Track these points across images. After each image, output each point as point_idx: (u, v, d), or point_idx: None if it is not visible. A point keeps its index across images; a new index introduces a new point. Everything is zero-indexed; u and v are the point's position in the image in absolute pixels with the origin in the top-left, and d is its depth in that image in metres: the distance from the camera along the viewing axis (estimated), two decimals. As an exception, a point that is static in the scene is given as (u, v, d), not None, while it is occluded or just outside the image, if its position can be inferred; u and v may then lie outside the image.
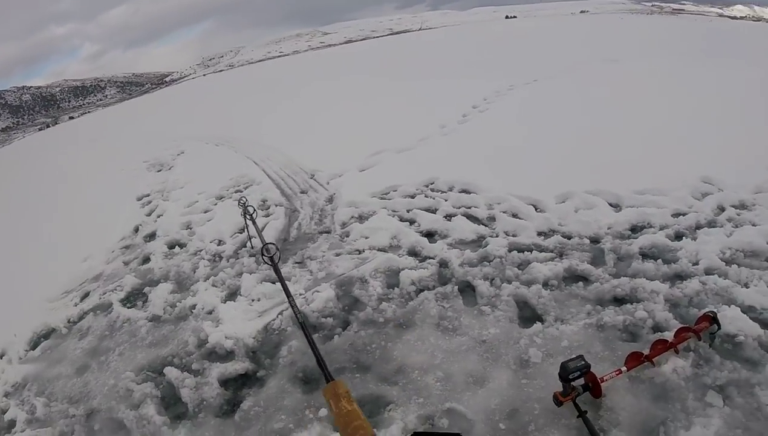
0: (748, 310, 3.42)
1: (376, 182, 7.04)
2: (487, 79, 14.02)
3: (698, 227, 4.82)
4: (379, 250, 5.26)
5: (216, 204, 7.78)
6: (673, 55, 15.49)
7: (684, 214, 5.03)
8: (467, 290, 4.29)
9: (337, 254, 5.33)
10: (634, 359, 3.01)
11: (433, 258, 4.85)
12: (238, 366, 3.89)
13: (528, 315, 3.84)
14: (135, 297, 5.52)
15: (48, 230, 8.94)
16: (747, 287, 3.71)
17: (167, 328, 4.68)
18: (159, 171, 11.10)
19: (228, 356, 4.07)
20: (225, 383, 3.79)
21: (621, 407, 2.80)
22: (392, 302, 4.25)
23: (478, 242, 5.13)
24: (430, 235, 5.44)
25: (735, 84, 9.96)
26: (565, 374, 2.68)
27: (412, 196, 6.46)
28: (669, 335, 3.20)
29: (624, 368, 2.95)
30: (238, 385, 3.77)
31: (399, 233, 5.49)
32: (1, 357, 5.03)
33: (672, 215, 5.05)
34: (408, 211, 6.04)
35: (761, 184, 5.39)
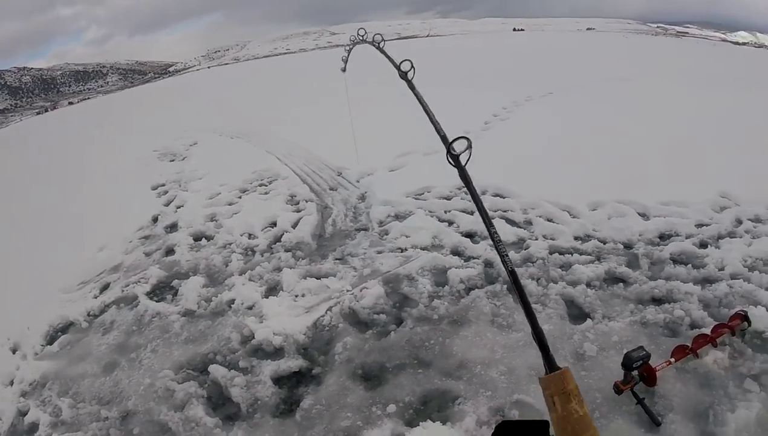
0: None
1: (409, 183, 7.44)
2: (502, 89, 14.60)
3: (720, 237, 5.47)
4: (422, 248, 5.64)
5: (240, 197, 8.00)
6: (683, 76, 16.26)
7: (706, 225, 5.70)
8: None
9: (379, 252, 5.68)
10: (680, 352, 3.55)
11: (477, 258, 5.29)
12: (291, 363, 4.01)
13: (576, 313, 4.33)
14: (162, 290, 5.57)
15: (56, 217, 8.79)
16: None
17: (204, 323, 4.76)
18: (172, 161, 11.22)
19: (277, 353, 4.20)
20: (278, 381, 3.90)
21: (673, 394, 3.31)
22: (444, 299, 4.64)
23: (519, 244, 5.64)
24: (470, 236, 5.89)
25: (745, 107, 10.84)
26: (629, 363, 3.17)
27: (448, 198, 6.90)
28: (706, 331, 3.76)
29: (672, 360, 3.48)
30: (292, 383, 3.89)
31: (440, 232, 5.92)
32: (13, 352, 4.85)
33: (695, 226, 5.71)
34: (446, 212, 6.47)
35: None
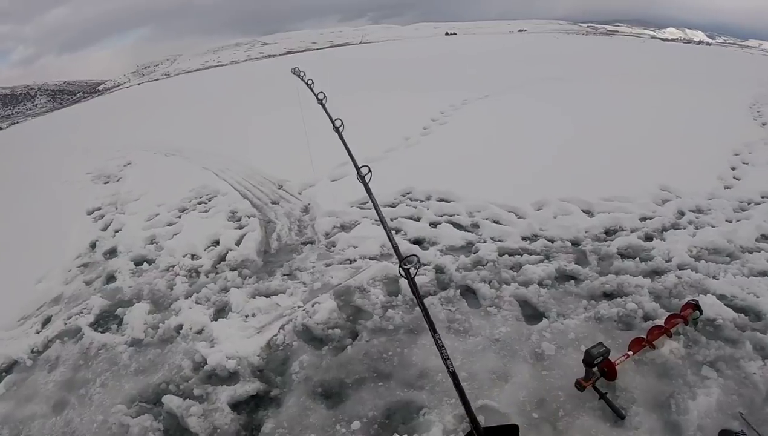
0: (720, 298, 4.21)
1: (352, 192, 7.25)
2: (439, 94, 14.78)
3: (664, 229, 5.74)
4: (371, 258, 5.57)
5: (180, 216, 7.66)
6: (614, 74, 17.02)
7: (650, 219, 5.95)
8: (468, 293, 4.77)
9: (328, 265, 5.57)
10: (637, 344, 3.62)
11: (427, 265, 5.24)
12: (248, 387, 3.87)
13: (531, 313, 4.37)
14: (107, 320, 5.27)
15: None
16: (717, 279, 4.57)
17: (153, 352, 4.54)
18: (106, 183, 10.58)
19: (232, 377, 4.04)
20: (236, 406, 3.76)
21: (634, 387, 3.37)
22: (398, 308, 4.58)
23: (468, 247, 5.65)
24: (418, 242, 5.86)
25: (676, 101, 11.38)
26: (590, 359, 3.20)
27: (393, 206, 6.87)
28: (660, 322, 3.86)
29: (630, 353, 3.53)
30: (251, 408, 3.76)
31: (388, 241, 5.73)
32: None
33: (639, 219, 5.96)
34: (392, 219, 6.40)
35: (713, 192, 6.63)
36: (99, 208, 8.78)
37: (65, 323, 5.23)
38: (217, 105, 19.62)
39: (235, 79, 31.94)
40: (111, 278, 6.10)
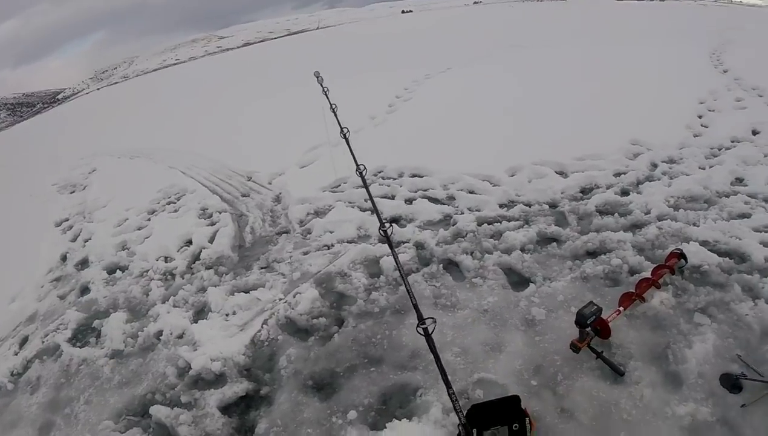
0: (703, 244, 4.24)
1: (323, 177, 7.23)
2: (401, 71, 14.66)
3: (639, 182, 5.77)
4: (349, 242, 5.48)
5: (149, 219, 7.46)
6: (573, 38, 17.11)
7: (624, 174, 5.98)
8: (451, 266, 4.71)
9: (306, 253, 5.46)
10: (627, 299, 3.62)
11: (407, 242, 5.18)
12: (236, 388, 3.78)
13: (517, 280, 4.34)
14: (84, 334, 5.13)
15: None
16: (697, 226, 4.61)
17: (135, 362, 4.42)
18: (72, 193, 10.31)
19: (219, 380, 3.94)
20: (226, 410, 3.67)
21: (629, 342, 3.37)
22: (381, 290, 4.50)
23: (446, 220, 5.60)
24: (395, 220, 5.77)
25: (633, 59, 11.54)
26: (583, 320, 3.17)
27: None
28: (646, 275, 3.87)
29: (621, 309, 3.52)
30: (242, 409, 3.68)
31: (364, 222, 5.79)
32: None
33: (614, 175, 5.98)
34: (366, 200, 6.26)
35: (683, 141, 6.72)
36: (67, 220, 8.59)
37: (42, 342, 5.09)
38: (178, 103, 19.24)
39: (193, 77, 31.34)
40: (85, 290, 5.95)
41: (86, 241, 7.28)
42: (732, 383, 2.84)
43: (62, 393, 4.33)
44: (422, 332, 2.77)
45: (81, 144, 15.50)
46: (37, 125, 32.37)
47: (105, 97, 39.63)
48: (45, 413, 4.15)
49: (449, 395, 2.69)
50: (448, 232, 5.22)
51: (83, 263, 6.64)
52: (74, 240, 7.53)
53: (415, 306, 2.92)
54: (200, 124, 13.81)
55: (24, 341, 5.30)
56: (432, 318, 2.82)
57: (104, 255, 6.56)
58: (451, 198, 6.06)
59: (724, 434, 2.71)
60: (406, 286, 2.96)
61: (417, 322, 2.78)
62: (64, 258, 6.99)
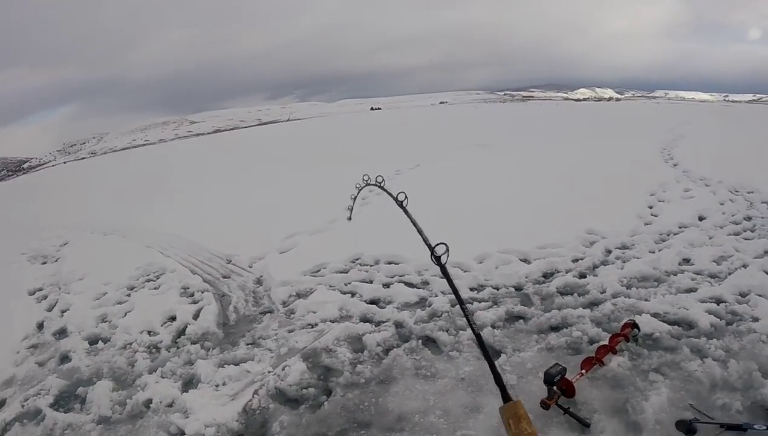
0: (654, 315, 4.90)
1: (303, 262, 7.62)
2: (372, 166, 15.30)
3: (595, 266, 6.52)
4: (332, 321, 5.82)
5: (129, 294, 7.50)
6: (534, 136, 18.63)
7: (582, 259, 6.73)
8: (429, 342, 5.13)
9: (291, 330, 5.74)
10: (588, 363, 4.13)
11: (387, 321, 5.61)
12: None
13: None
14: (68, 400, 5.05)
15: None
16: (648, 301, 5.29)
17: (124, 428, 4.40)
18: (44, 263, 10.25)
19: None
20: None
21: (592, 399, 3.84)
22: (366, 363, 4.84)
23: (422, 302, 6.06)
24: (374, 302, 6.20)
25: (590, 155, 12.76)
26: (550, 378, 3.65)
27: (345, 272, 7.21)
28: (604, 343, 4.41)
29: (583, 371, 4.02)
30: None
31: (345, 304, 6.15)
32: None
33: (572, 261, 6.72)
34: (346, 284, 6.74)
35: (635, 229, 7.65)
36: (41, 289, 8.51)
37: (23, 405, 4.98)
38: (151, 182, 19.55)
39: (163, 157, 31.89)
40: (65, 358, 5.89)
41: (64, 311, 7.26)
42: (687, 427, 3.27)
43: (47, 458, 4.28)
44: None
45: (50, 216, 15.51)
46: (3, 191, 31.97)
47: (72, 171, 39.49)
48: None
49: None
50: (424, 312, 5.67)
51: (62, 333, 6.61)
52: (50, 310, 7.49)
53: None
54: (175, 204, 14.16)
55: (1, 404, 5.17)
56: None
57: (84, 326, 6.56)
58: (426, 283, 6.55)
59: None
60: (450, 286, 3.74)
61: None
62: (40, 326, 6.93)
